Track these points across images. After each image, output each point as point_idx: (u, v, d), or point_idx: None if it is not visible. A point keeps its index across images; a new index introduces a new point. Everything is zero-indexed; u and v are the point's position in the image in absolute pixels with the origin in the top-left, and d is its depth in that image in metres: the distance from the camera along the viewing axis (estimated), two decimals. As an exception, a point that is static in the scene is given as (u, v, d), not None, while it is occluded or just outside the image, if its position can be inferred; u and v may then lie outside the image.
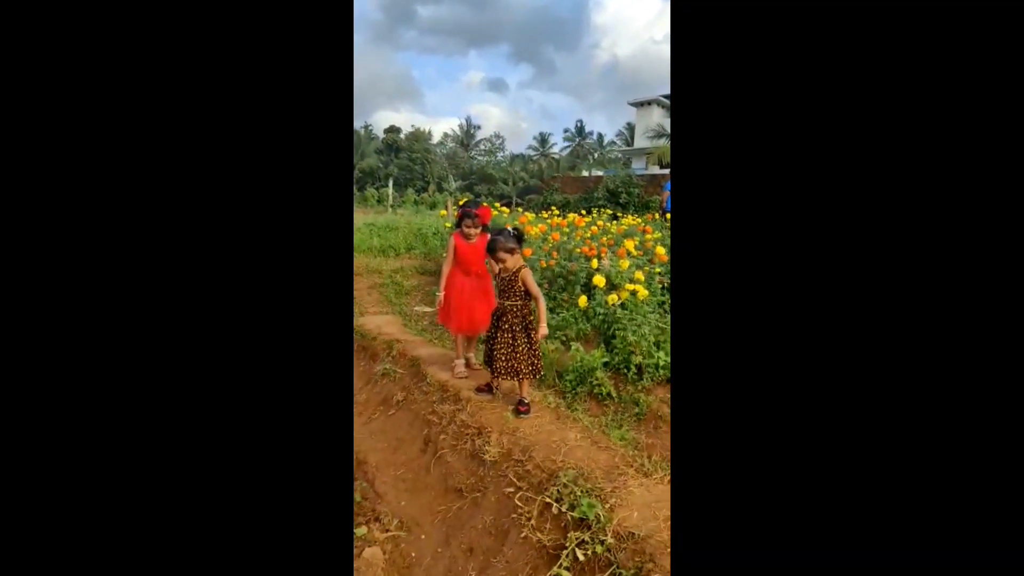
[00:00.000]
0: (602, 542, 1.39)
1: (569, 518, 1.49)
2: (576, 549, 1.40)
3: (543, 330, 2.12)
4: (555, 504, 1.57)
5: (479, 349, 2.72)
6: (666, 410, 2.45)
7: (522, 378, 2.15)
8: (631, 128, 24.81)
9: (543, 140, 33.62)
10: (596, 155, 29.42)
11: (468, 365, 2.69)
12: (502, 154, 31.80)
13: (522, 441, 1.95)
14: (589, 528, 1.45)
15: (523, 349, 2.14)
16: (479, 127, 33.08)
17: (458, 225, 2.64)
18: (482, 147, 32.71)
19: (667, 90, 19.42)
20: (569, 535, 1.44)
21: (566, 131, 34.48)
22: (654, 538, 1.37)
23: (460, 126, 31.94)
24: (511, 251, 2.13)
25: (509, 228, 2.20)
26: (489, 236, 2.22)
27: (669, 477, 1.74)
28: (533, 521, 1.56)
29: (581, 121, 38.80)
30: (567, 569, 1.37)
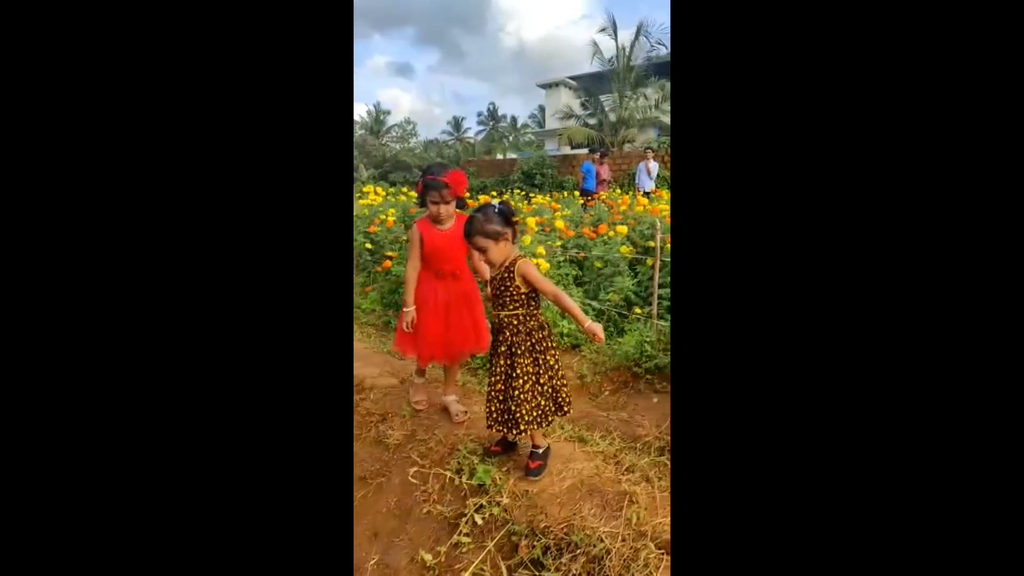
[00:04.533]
0: (498, 504, 1.44)
1: (467, 487, 1.53)
2: (475, 515, 1.44)
3: (595, 328, 1.35)
4: (455, 476, 1.60)
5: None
6: (571, 374, 2.56)
7: (525, 431, 1.44)
8: (543, 110, 25.20)
9: (457, 125, 33.14)
10: (511, 138, 29.58)
11: (448, 410, 1.91)
12: (415, 140, 30.91)
13: (426, 421, 1.95)
14: (487, 493, 1.49)
15: (527, 383, 1.42)
16: (389, 112, 31.75)
17: (422, 204, 1.79)
18: (394, 133, 31.54)
19: (573, 72, 19.96)
20: (467, 502, 1.47)
21: (479, 115, 34.29)
22: (545, 492, 1.44)
23: (368, 112, 30.43)
24: (496, 236, 1.40)
25: (494, 203, 1.46)
26: (470, 215, 1.48)
27: (566, 435, 1.84)
28: (435, 495, 1.58)
29: (494, 104, 38.75)
30: (466, 535, 1.40)
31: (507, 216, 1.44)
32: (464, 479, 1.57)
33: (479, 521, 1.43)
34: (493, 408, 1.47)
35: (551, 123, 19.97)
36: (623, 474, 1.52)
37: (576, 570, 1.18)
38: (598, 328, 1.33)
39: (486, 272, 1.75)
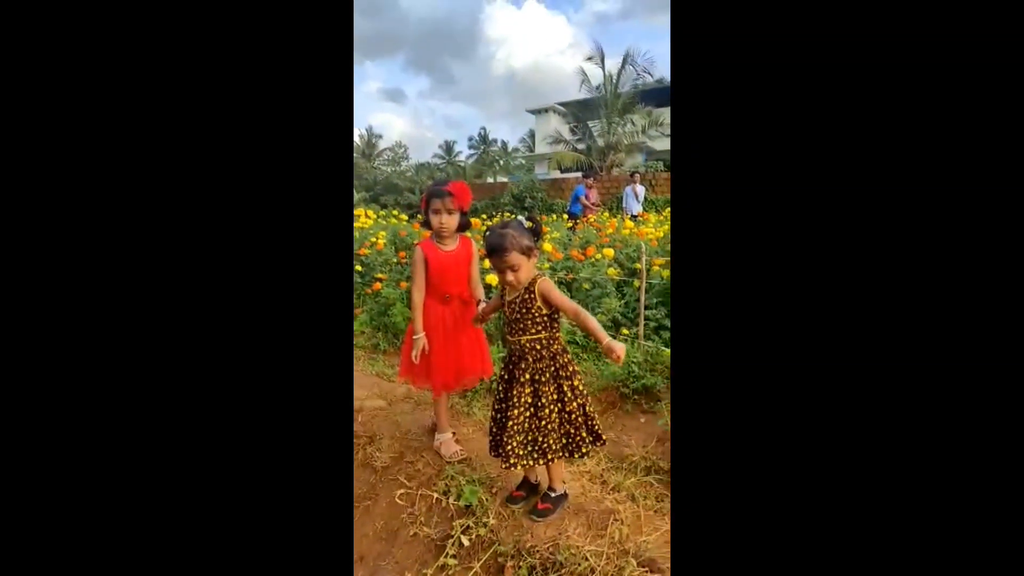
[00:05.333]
0: (485, 524, 1.45)
1: (454, 508, 1.53)
2: (461, 536, 1.44)
3: (615, 346, 1.19)
4: (442, 497, 1.60)
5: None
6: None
7: (553, 460, 1.34)
8: (533, 135, 25.73)
9: (448, 148, 33.64)
10: (501, 162, 30.07)
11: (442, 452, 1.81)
12: (407, 163, 31.27)
13: (414, 443, 1.95)
14: (474, 514, 1.50)
15: (553, 412, 1.32)
16: (380, 136, 32.21)
17: (425, 221, 1.68)
18: (385, 156, 31.90)
19: (562, 98, 20.48)
20: (454, 524, 1.47)
21: (470, 139, 34.87)
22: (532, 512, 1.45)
23: (360, 136, 30.83)
24: (528, 252, 1.30)
25: (519, 217, 1.38)
26: (490, 229, 1.36)
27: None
28: (422, 517, 1.58)
29: (485, 129, 39.43)
30: (452, 557, 1.40)
31: (537, 231, 1.34)
32: (451, 500, 1.57)
33: (466, 543, 1.43)
34: (516, 443, 1.31)
35: (541, 147, 20.38)
36: (608, 493, 1.54)
37: (561, 589, 1.19)
38: (618, 346, 1.21)
39: (479, 294, 1.72)
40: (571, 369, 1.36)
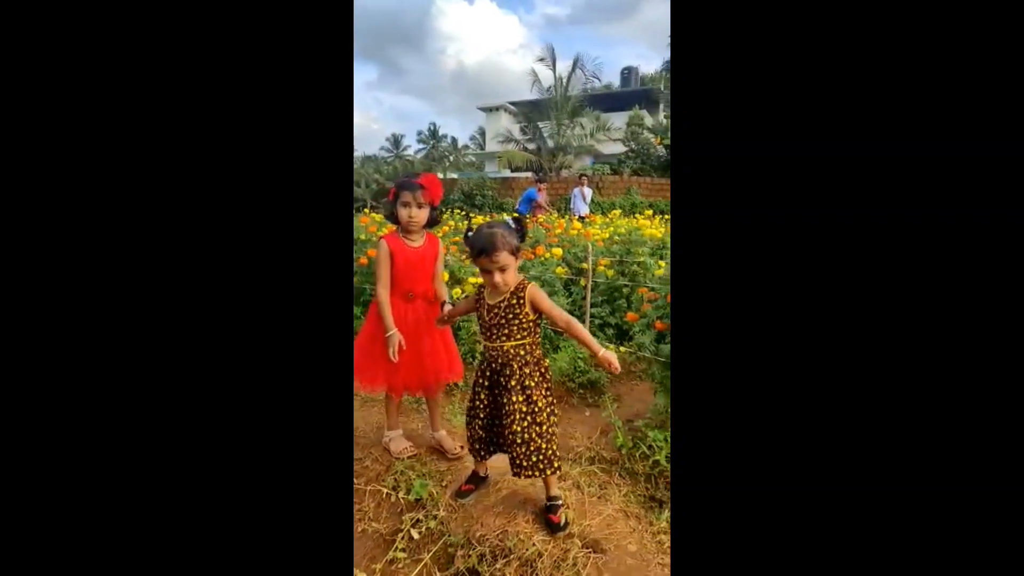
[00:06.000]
0: (435, 517, 1.47)
1: (404, 503, 1.54)
2: (411, 529, 1.45)
3: (610, 356, 1.23)
4: (392, 492, 1.60)
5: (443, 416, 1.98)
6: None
7: (559, 466, 1.35)
8: (483, 133, 25.69)
9: (396, 142, 32.86)
10: (451, 158, 29.78)
11: (442, 447, 1.74)
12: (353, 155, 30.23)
13: (362, 440, 1.93)
14: (424, 507, 1.51)
15: (551, 419, 1.33)
16: (324, 126, 30.80)
17: (391, 214, 1.61)
18: (330, 147, 30.58)
19: (514, 97, 20.61)
20: (404, 518, 1.48)
21: (420, 133, 34.25)
22: (481, 503, 1.49)
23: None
24: (516, 252, 1.29)
25: (506, 218, 1.38)
26: (476, 229, 1.32)
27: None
28: (371, 513, 1.57)
29: (435, 124, 38.88)
30: (402, 551, 1.41)
31: (522, 232, 1.31)
32: (401, 495, 1.58)
33: (415, 536, 1.44)
34: (518, 453, 1.29)
35: (491, 146, 20.40)
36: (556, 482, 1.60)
37: (510, 574, 1.23)
38: (613, 357, 1.23)
39: (443, 295, 1.66)
40: (550, 375, 1.38)
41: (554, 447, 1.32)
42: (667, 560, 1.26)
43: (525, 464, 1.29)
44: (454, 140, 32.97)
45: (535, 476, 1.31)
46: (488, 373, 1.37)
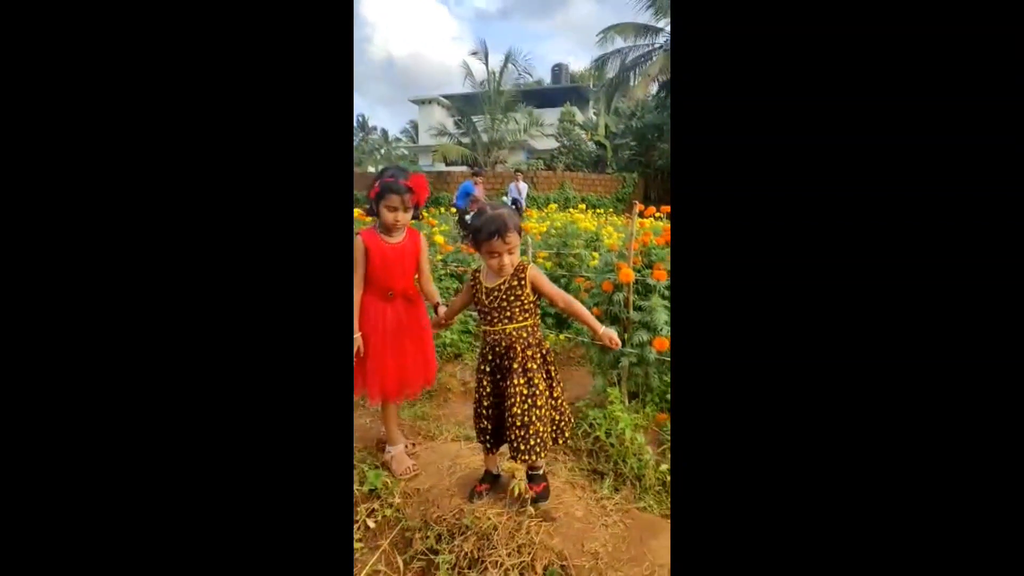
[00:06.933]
0: (391, 505, 1.50)
1: (359, 494, 1.55)
2: (367, 519, 1.48)
3: (611, 334, 1.29)
4: (345, 486, 1.61)
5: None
6: (455, 381, 2.68)
7: (551, 448, 1.36)
8: (416, 126, 25.16)
9: (323, 133, 31.25)
10: (383, 151, 28.88)
11: (390, 467, 1.64)
12: (276, 146, 28.31)
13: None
14: (379, 497, 1.54)
15: (548, 401, 1.33)
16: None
17: (373, 210, 1.53)
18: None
19: (446, 90, 20.37)
20: (359, 509, 1.50)
21: (348, 125, 32.74)
22: (436, 488, 1.54)
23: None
24: (520, 232, 1.30)
25: (504, 199, 1.24)
26: (478, 210, 1.30)
27: (452, 435, 1.96)
28: (323, 509, 1.57)
29: (364, 115, 37.41)
30: (359, 540, 1.43)
31: (520, 213, 1.32)
32: (355, 487, 1.59)
33: (371, 525, 1.47)
34: (516, 436, 1.29)
35: (425, 139, 20.06)
36: (507, 462, 1.69)
37: (468, 548, 1.30)
38: (613, 334, 1.28)
39: (435, 296, 1.64)
40: (552, 355, 1.37)
41: (549, 428, 1.32)
42: (610, 521, 1.40)
43: (523, 448, 1.28)
44: (384, 132, 31.96)
45: (531, 460, 1.30)
46: (491, 358, 1.35)
